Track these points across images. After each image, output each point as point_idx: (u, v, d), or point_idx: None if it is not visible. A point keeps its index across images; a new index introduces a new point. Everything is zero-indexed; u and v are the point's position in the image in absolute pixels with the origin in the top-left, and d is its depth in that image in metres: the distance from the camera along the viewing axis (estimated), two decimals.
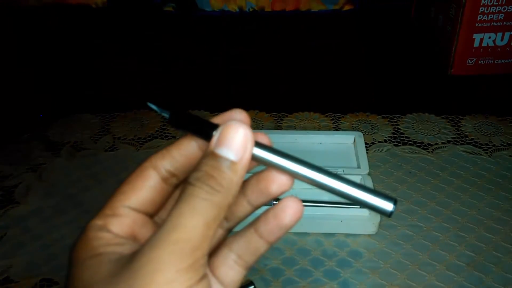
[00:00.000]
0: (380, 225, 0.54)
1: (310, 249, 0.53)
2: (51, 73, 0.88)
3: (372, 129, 0.71)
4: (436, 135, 0.69)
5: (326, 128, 0.71)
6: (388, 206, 0.24)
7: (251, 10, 1.05)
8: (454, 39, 0.79)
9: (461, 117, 0.73)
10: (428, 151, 0.66)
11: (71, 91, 0.83)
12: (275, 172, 0.25)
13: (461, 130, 0.71)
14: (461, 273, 0.50)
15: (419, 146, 0.67)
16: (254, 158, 0.25)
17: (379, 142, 0.68)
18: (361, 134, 0.66)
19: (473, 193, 0.60)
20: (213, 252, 0.27)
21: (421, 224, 0.56)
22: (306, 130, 0.71)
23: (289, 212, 0.25)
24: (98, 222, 0.24)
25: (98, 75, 0.88)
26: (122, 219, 0.25)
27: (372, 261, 0.52)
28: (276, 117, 0.74)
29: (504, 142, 0.68)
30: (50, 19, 1.04)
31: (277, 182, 0.25)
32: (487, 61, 0.81)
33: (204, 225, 0.22)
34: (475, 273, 0.50)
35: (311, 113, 0.75)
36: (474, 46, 0.80)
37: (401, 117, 0.73)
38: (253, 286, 0.46)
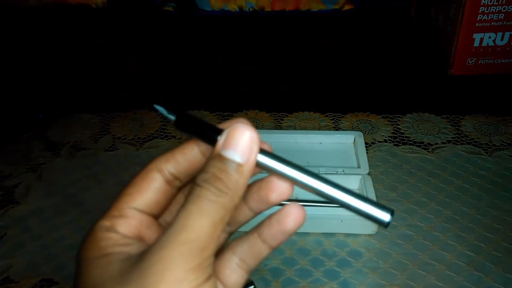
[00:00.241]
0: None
1: (310, 249, 0.53)
2: (51, 73, 0.88)
3: (372, 129, 0.71)
4: (436, 135, 0.69)
5: (326, 128, 0.71)
6: (385, 216, 0.25)
7: (251, 10, 1.05)
8: (454, 39, 0.79)
9: (461, 117, 0.73)
10: (428, 151, 0.66)
11: (71, 91, 0.83)
12: (276, 179, 0.26)
13: (461, 130, 0.71)
14: (461, 273, 0.50)
15: (419, 146, 0.67)
16: (257, 164, 0.25)
17: (379, 142, 0.68)
18: (361, 134, 0.66)
19: (473, 193, 0.60)
20: (216, 256, 0.27)
21: (421, 224, 0.56)
22: (306, 130, 0.71)
23: (292, 217, 0.26)
24: (105, 223, 0.25)
25: (98, 75, 0.88)
26: (128, 220, 0.25)
27: (372, 261, 0.52)
28: (276, 117, 0.74)
29: (504, 142, 0.68)
30: (50, 19, 1.04)
31: (277, 191, 0.26)
32: (487, 61, 0.81)
33: (211, 225, 0.23)
34: (475, 273, 0.50)
35: (311, 113, 0.75)
36: (474, 46, 0.80)
37: (401, 117, 0.73)
38: (253, 286, 0.46)
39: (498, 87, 0.81)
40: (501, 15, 0.77)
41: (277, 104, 0.76)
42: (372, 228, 0.54)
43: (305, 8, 1.05)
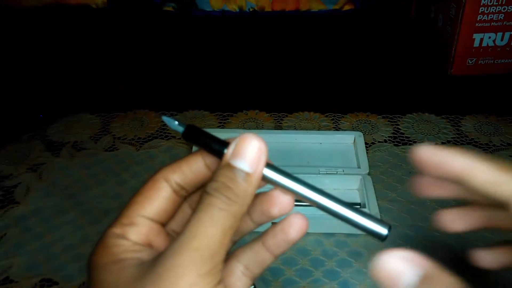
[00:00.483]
0: None
1: (310, 249, 0.53)
2: (51, 73, 0.88)
3: (372, 129, 0.71)
4: (436, 135, 0.69)
5: (326, 128, 0.71)
6: (383, 230, 0.26)
7: (251, 10, 1.05)
8: (454, 39, 0.79)
9: (461, 117, 0.73)
10: None
11: (71, 91, 0.83)
12: (277, 194, 0.27)
13: (461, 130, 0.71)
14: (460, 273, 0.50)
15: None
16: (263, 178, 0.26)
17: (379, 142, 0.68)
18: (361, 134, 0.66)
19: None
20: None
21: (421, 224, 0.56)
22: (306, 130, 0.71)
23: (295, 227, 0.27)
24: (116, 230, 0.26)
25: (98, 75, 0.88)
26: (138, 228, 0.26)
27: (372, 261, 0.52)
28: (276, 117, 0.74)
29: (504, 142, 0.68)
30: (50, 19, 1.04)
31: (278, 206, 0.27)
32: (487, 61, 0.81)
33: (221, 233, 0.23)
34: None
35: (311, 113, 0.75)
36: (474, 46, 0.80)
37: (401, 117, 0.73)
38: (253, 286, 0.46)
39: (498, 87, 0.81)
40: (501, 15, 0.77)
41: (277, 104, 0.76)
42: None
43: (305, 8, 1.05)
